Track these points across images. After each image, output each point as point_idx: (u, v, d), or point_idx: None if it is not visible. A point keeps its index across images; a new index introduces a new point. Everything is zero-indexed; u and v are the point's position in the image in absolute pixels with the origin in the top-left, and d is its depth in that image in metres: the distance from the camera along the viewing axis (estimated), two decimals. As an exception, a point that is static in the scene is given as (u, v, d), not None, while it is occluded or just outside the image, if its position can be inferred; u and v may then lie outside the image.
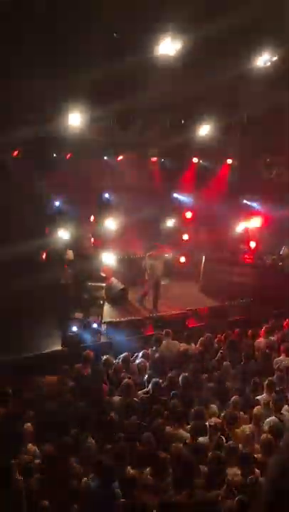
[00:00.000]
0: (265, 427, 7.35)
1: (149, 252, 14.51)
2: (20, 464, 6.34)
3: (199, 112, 14.10)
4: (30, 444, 6.94)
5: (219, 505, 5.59)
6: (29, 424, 7.36)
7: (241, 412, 7.91)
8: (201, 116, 14.31)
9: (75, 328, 12.19)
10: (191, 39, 10.20)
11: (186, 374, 9.04)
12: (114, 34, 9.99)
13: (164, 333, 10.89)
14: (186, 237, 18.17)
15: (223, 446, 6.66)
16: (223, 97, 13.42)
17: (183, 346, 10.62)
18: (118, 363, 9.73)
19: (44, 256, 14.65)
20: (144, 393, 8.67)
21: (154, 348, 10.38)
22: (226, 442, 6.83)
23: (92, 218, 15.91)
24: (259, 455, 6.59)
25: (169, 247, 16.06)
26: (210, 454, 6.41)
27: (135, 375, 9.32)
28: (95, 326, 12.57)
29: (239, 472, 6.12)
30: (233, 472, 6.11)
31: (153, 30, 10.02)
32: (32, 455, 6.74)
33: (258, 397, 8.45)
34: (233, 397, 8.17)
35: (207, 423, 7.31)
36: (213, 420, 7.43)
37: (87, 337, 11.98)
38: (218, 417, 7.70)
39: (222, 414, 7.70)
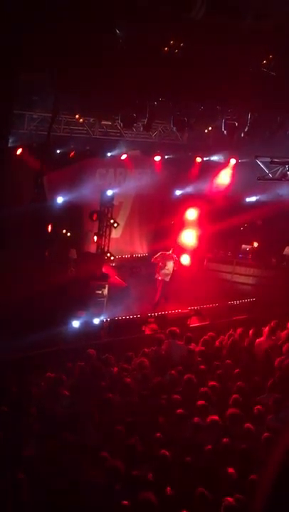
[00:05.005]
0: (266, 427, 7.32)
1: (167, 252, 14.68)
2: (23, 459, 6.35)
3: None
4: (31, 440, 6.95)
5: None
6: (31, 420, 7.36)
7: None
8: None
9: (76, 325, 12.22)
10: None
11: (189, 373, 8.99)
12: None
13: (168, 332, 10.80)
14: (189, 237, 18.09)
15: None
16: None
17: (186, 347, 10.53)
18: (119, 361, 9.70)
19: (47, 254, 14.65)
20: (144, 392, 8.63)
21: (155, 347, 10.32)
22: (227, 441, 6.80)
23: (94, 216, 15.84)
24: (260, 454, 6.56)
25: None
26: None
27: (135, 373, 9.28)
28: (96, 322, 12.61)
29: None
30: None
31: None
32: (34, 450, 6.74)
33: (259, 398, 8.42)
34: (234, 397, 8.14)
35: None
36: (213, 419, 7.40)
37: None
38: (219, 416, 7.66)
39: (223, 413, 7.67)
